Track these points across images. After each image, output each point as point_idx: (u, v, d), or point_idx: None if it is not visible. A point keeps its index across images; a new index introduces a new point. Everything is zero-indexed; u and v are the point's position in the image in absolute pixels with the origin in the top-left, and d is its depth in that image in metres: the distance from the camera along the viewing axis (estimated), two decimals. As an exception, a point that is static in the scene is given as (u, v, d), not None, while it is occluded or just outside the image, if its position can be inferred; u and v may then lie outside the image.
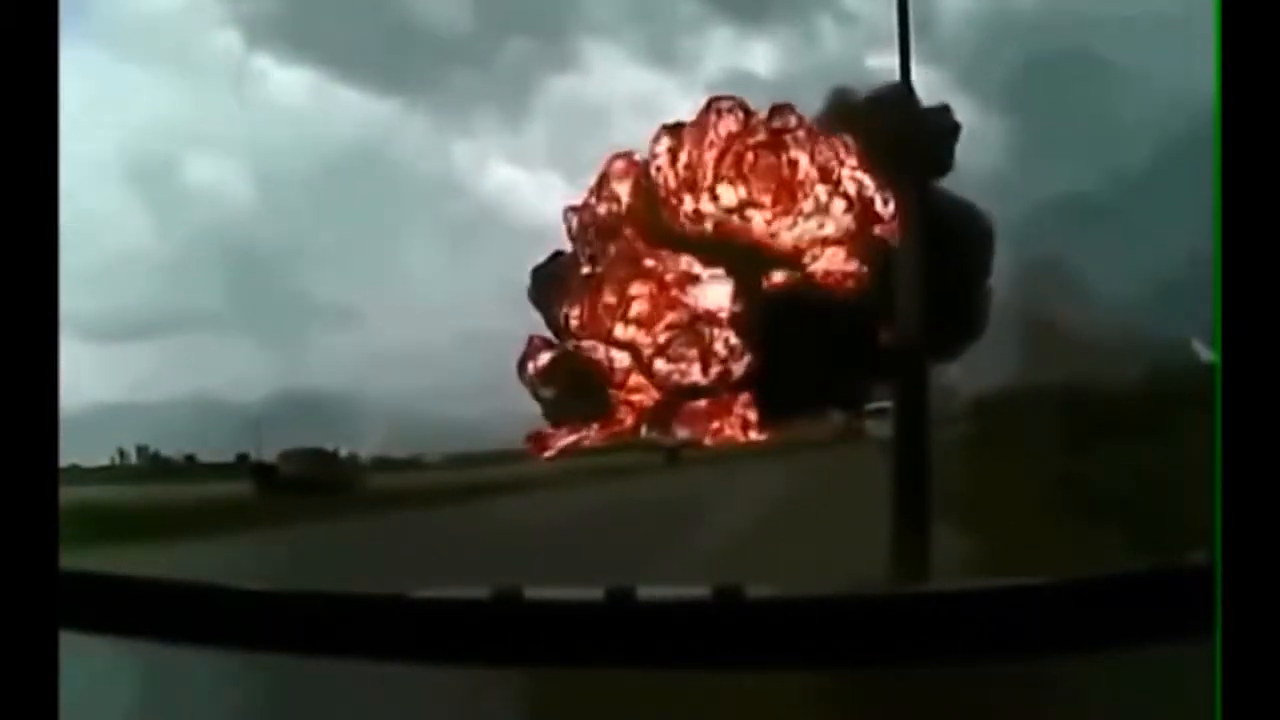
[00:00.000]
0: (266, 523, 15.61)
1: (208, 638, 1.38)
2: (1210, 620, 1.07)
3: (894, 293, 7.29)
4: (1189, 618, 1.14)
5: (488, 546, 11.02)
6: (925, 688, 1.23)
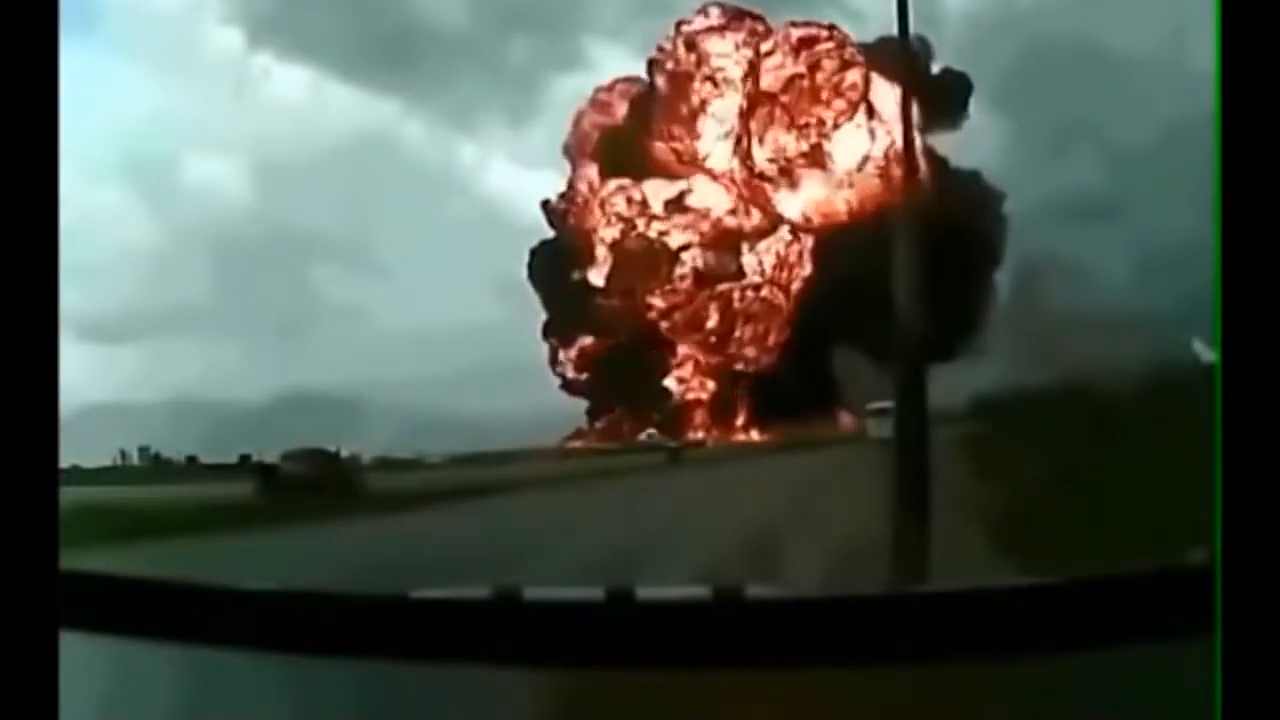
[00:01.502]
0: (267, 523, 15.70)
1: (208, 638, 1.38)
2: (1210, 620, 1.07)
3: (897, 289, 7.30)
4: (1189, 618, 1.14)
5: (488, 546, 11.07)
6: (925, 688, 1.23)
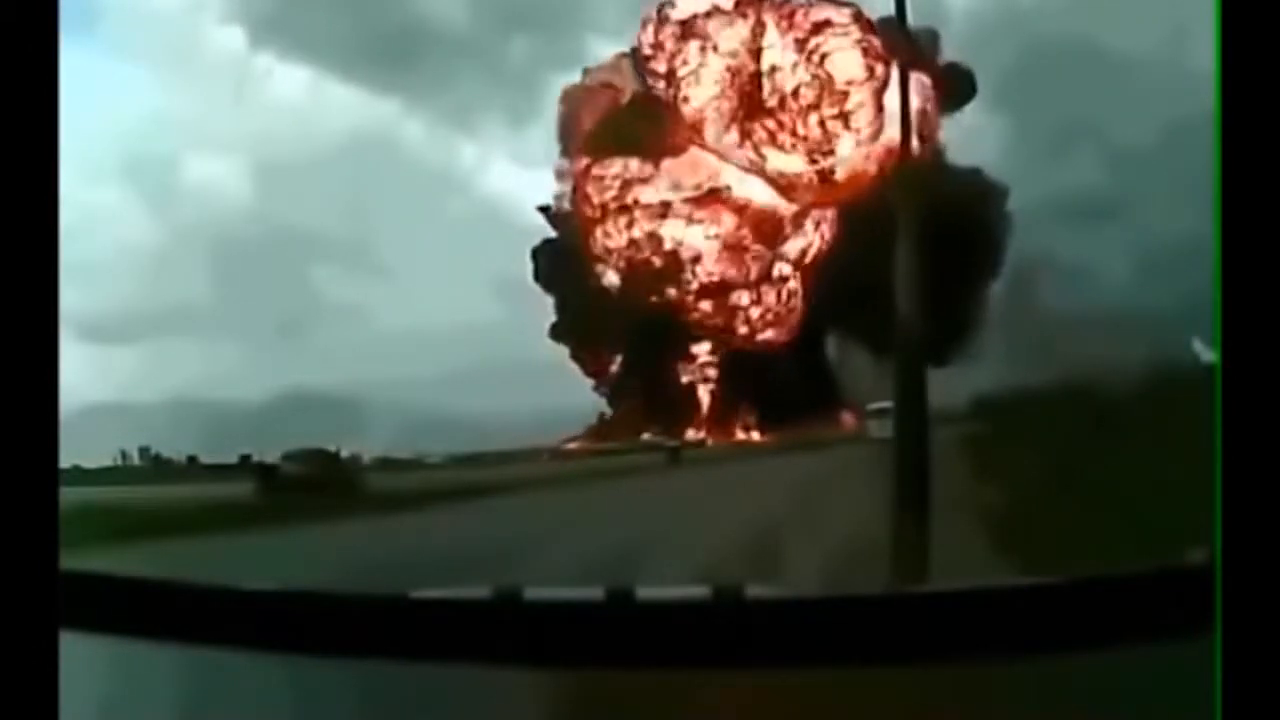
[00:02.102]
0: (267, 523, 15.71)
1: (208, 638, 1.38)
2: (1210, 620, 1.07)
3: (898, 289, 7.29)
4: (1189, 618, 1.14)
5: (488, 546, 11.08)
6: (925, 688, 1.23)
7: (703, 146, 37.39)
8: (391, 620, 1.39)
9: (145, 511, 16.72)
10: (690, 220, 37.68)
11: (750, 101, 37.20)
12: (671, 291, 37.61)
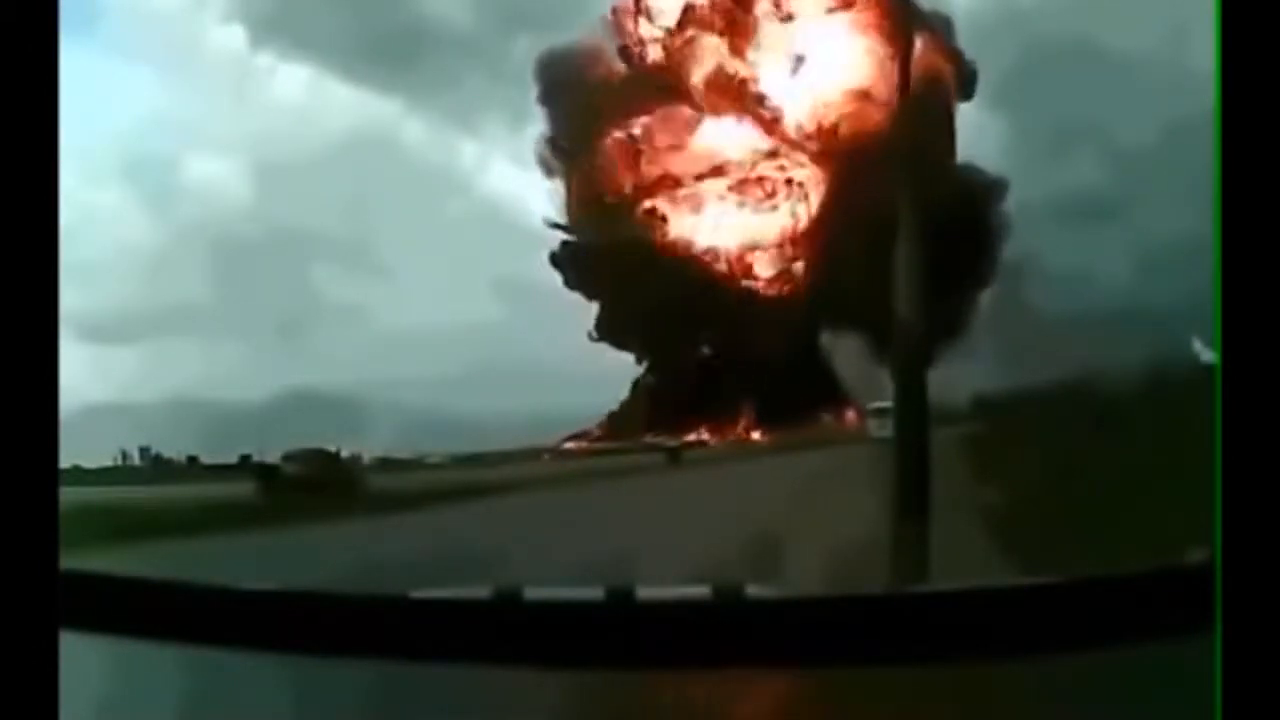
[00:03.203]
0: (267, 523, 15.70)
1: (208, 638, 1.38)
2: (1210, 619, 1.07)
3: (897, 287, 7.25)
4: (1189, 617, 1.14)
5: (488, 546, 11.07)
6: (925, 688, 1.23)
7: (706, 114, 37.08)
8: (391, 620, 1.39)
9: (145, 511, 16.72)
10: (706, 217, 37.62)
11: (744, 98, 37.11)
12: (680, 288, 37.52)
